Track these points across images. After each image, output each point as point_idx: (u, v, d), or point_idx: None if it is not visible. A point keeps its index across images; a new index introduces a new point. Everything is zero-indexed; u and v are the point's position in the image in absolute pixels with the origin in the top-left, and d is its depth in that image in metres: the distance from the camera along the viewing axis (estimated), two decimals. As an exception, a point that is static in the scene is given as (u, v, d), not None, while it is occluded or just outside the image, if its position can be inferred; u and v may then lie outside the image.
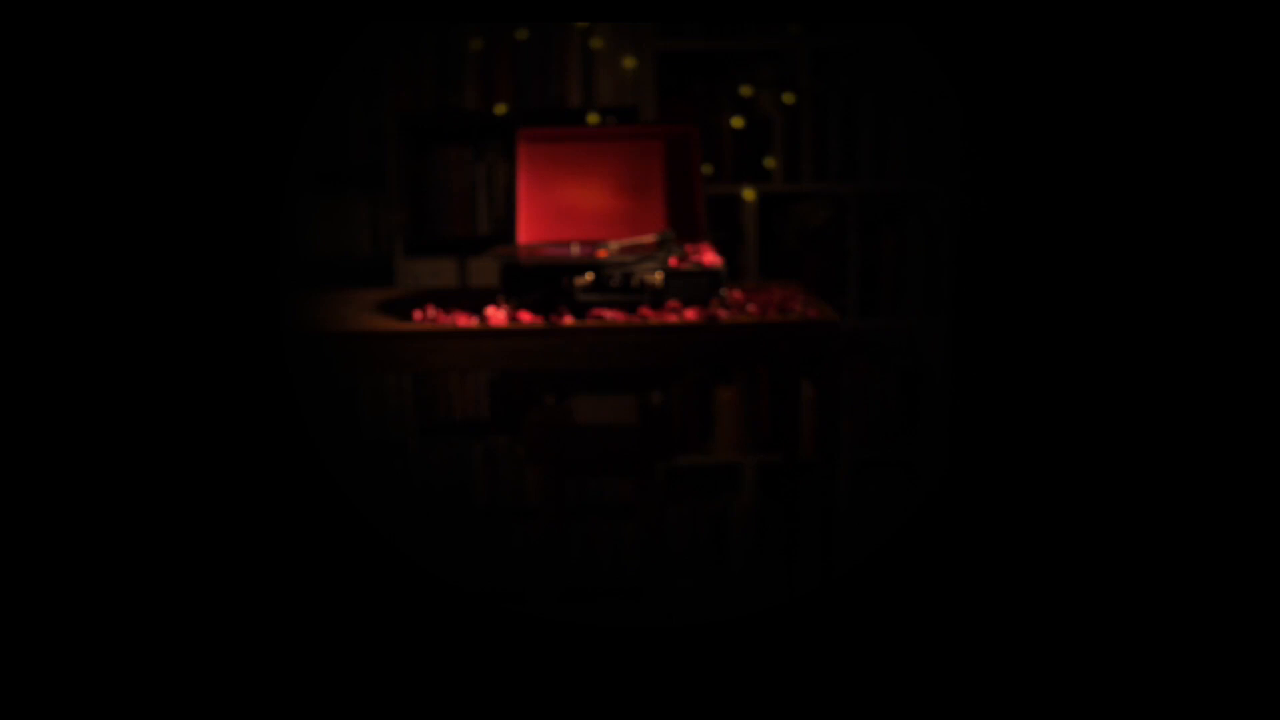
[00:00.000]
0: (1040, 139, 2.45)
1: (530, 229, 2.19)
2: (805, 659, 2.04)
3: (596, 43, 3.04)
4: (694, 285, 1.94)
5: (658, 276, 1.93)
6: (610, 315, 1.91)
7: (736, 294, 2.07)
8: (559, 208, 2.21)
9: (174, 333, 1.78)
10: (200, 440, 1.81)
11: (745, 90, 3.10)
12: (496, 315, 1.93)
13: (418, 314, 1.97)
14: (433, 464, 3.18)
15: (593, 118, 3.05)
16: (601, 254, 1.98)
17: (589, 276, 1.92)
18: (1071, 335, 2.20)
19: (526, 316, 1.92)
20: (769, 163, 3.09)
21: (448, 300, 2.11)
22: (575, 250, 2.04)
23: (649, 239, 2.06)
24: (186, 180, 1.83)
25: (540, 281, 1.93)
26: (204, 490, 1.80)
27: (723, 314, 1.92)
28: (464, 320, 1.93)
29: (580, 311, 1.92)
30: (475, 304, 2.05)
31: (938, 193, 3.13)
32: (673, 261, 1.96)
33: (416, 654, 2.60)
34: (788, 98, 3.06)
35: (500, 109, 3.06)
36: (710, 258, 1.99)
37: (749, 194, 3.10)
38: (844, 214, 3.14)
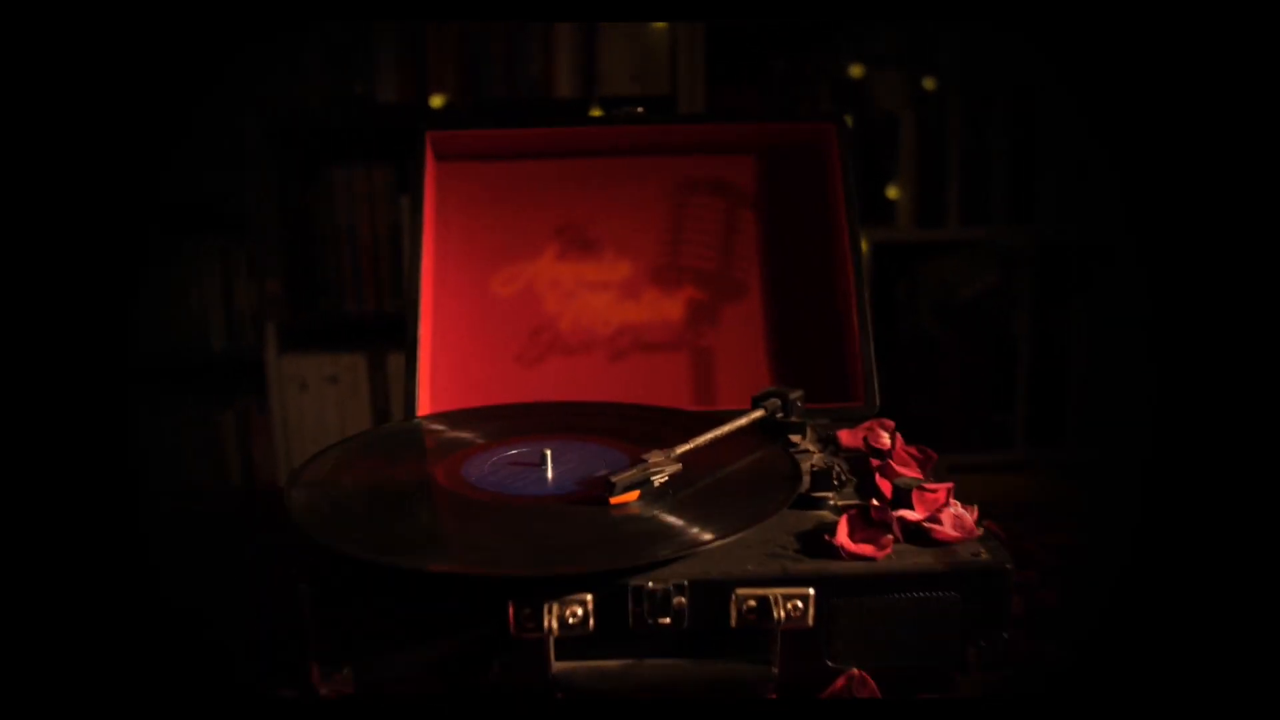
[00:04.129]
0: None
1: (443, 387, 0.92)
2: None
3: (602, -11, 1.91)
4: (918, 619, 0.67)
5: (806, 605, 0.66)
6: None
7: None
8: (514, 323, 0.95)
9: None
10: None
11: (855, 70, 2.11)
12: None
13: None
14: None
15: (595, 112, 1.94)
16: (622, 501, 0.72)
17: (583, 605, 0.65)
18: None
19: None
20: (891, 192, 2.11)
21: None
22: (548, 476, 0.77)
23: (746, 421, 0.81)
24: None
25: (456, 605, 0.66)
26: None
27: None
28: None
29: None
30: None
31: (1157, 245, 1.95)
32: (842, 534, 0.70)
33: None
34: (927, 83, 2.06)
35: (437, 101, 1.92)
36: (952, 523, 0.72)
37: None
38: (1011, 278, 1.98)
